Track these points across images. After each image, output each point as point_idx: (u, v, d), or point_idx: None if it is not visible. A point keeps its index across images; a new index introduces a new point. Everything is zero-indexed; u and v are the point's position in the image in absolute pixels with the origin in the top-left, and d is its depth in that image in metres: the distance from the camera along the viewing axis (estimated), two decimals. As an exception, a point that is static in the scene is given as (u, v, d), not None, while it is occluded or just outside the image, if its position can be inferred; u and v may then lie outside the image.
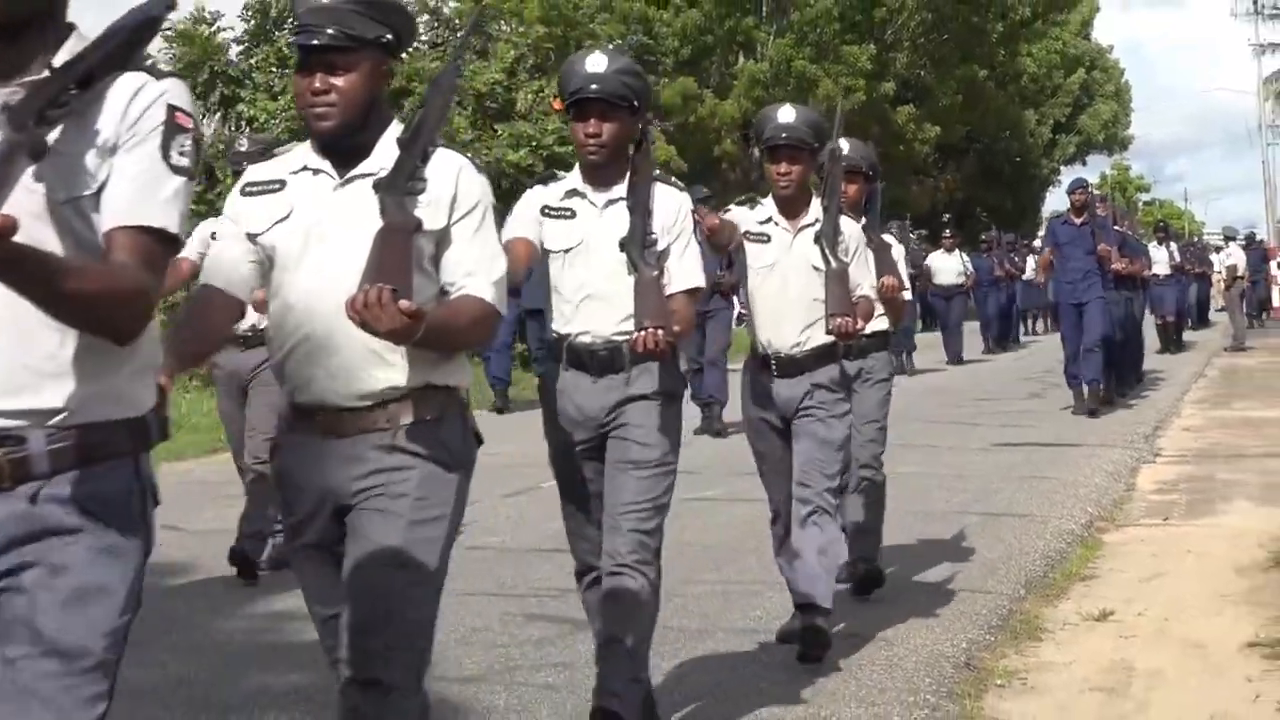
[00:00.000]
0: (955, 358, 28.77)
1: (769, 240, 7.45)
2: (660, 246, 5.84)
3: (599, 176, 5.97)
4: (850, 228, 7.44)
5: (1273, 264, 44.69)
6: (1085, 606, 8.34)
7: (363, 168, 4.37)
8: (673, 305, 5.83)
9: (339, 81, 4.31)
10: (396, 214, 4.19)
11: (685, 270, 5.94)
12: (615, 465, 5.93)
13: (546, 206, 6.00)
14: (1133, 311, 21.37)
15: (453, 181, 4.33)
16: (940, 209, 57.69)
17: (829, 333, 7.05)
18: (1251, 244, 39.11)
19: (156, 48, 25.04)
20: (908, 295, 8.38)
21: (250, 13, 25.94)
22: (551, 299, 6.06)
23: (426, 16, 27.62)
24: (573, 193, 6.01)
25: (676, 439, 6.10)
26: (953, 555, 9.77)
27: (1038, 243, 34.35)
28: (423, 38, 27.94)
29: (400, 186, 4.23)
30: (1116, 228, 20.07)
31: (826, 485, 7.20)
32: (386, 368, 4.27)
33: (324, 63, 4.31)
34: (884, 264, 7.97)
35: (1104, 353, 18.38)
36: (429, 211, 4.28)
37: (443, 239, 4.32)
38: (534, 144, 25.62)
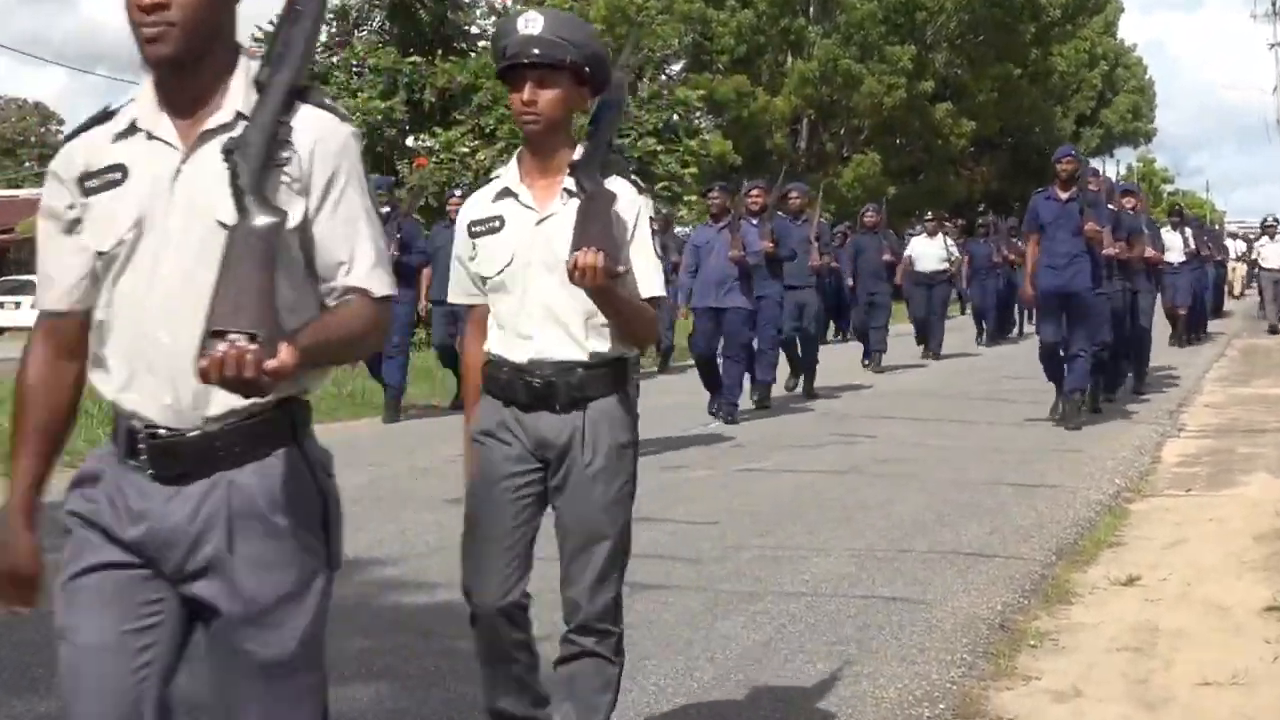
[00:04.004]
0: (934, 353, 24.78)
1: (124, 178, 3.06)
2: None
3: None
4: (320, 127, 3.07)
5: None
6: (1113, 571, 8.28)
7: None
8: None
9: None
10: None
11: None
12: None
13: None
14: (1137, 305, 17.78)
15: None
16: (976, 199, 57.54)
17: (203, 376, 2.76)
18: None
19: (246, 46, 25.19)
20: (654, 288, 4.61)
21: (332, 17, 26.04)
22: None
23: (494, 17, 27.63)
24: None
25: None
26: (988, 523, 9.72)
27: None
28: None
29: None
30: (1110, 206, 16.18)
31: None
32: None
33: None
34: (590, 227, 4.34)
35: (1093, 357, 14.99)
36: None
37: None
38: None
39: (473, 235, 4.73)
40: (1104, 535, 9.45)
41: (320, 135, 3.10)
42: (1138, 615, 7.38)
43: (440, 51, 26.26)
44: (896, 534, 9.39)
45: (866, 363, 22.64)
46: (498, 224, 4.69)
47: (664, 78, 30.44)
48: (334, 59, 25.39)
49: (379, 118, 23.62)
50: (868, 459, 12.64)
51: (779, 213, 17.40)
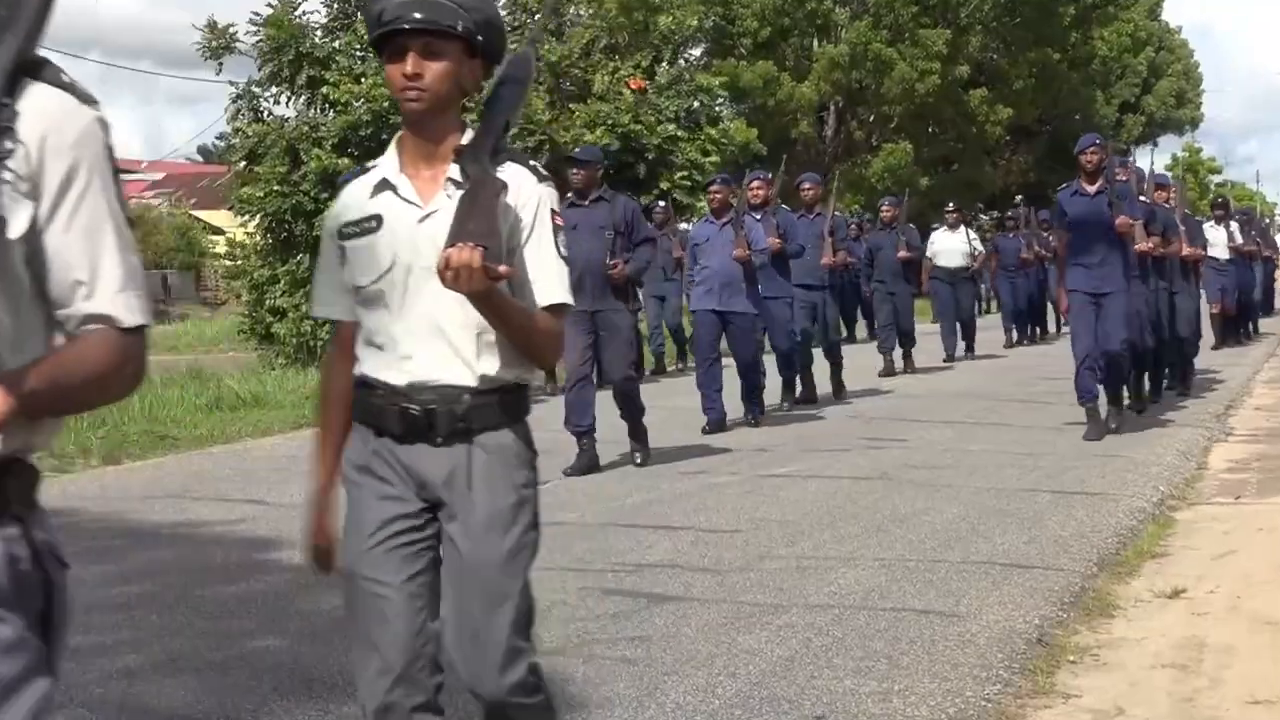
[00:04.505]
0: (953, 352, 24.36)
1: None
2: None
3: None
4: (54, 111, 2.58)
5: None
6: (1157, 584, 8.27)
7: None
8: None
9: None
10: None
11: None
12: None
13: None
14: (1179, 305, 17.44)
15: None
16: (1012, 190, 57.51)
17: None
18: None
19: (244, 32, 25.28)
20: (555, 294, 4.07)
21: (333, -2, 26.18)
22: None
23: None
24: None
25: None
26: (1025, 532, 9.70)
27: None
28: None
29: None
30: (1142, 198, 15.53)
31: None
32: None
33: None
34: (469, 220, 3.85)
35: (1129, 358, 14.63)
36: None
37: None
38: (610, 123, 25.58)
39: (343, 238, 4.15)
40: (1147, 545, 9.42)
41: (54, 122, 2.55)
42: (1184, 630, 7.36)
43: (448, 36, 26.28)
44: (929, 543, 9.38)
45: (883, 370, 21.79)
46: (374, 224, 4.11)
47: (683, 62, 30.35)
48: (336, 43, 25.44)
49: (385, 105, 23.63)
50: (898, 465, 12.63)
51: (783, 205, 17.19)
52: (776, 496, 11.09)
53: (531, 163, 4.16)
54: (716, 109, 30.53)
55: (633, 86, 26.42)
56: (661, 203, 23.83)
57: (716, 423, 14.96)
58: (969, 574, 8.52)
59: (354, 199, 4.18)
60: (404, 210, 4.09)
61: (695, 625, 7.37)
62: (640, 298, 14.65)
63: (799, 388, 17.66)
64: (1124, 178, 15.20)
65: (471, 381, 4.03)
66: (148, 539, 9.82)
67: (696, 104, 28.20)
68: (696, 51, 37.17)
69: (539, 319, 4.05)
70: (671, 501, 10.88)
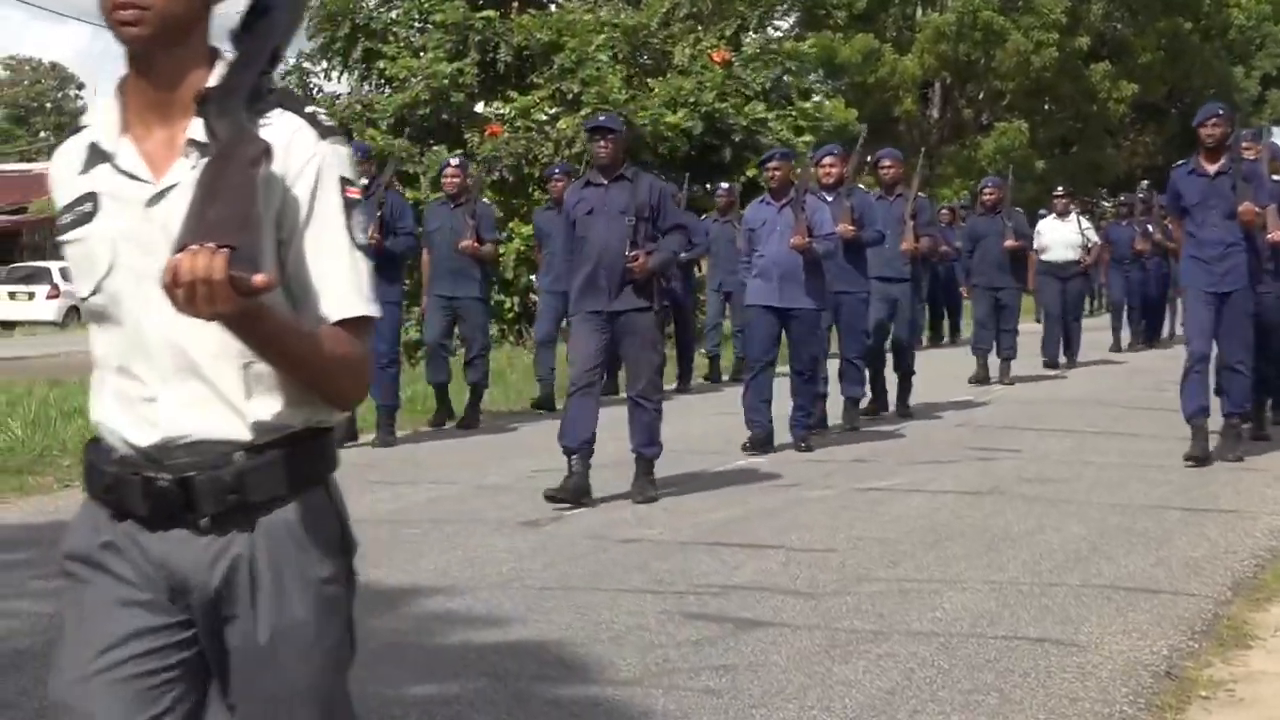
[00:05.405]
0: (1057, 358, 23.48)
1: None
2: None
3: None
4: None
5: None
6: (1299, 611, 8.21)
7: None
8: None
9: None
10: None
11: None
12: None
13: None
14: None
15: None
16: (1137, 174, 57.24)
17: None
18: None
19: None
20: (351, 304, 3.08)
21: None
22: None
23: None
24: None
25: None
26: (1152, 553, 9.64)
27: None
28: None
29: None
30: (1276, 178, 14.22)
31: None
32: None
33: None
34: (210, 206, 2.85)
35: (1257, 369, 13.59)
36: None
37: None
38: (693, 101, 25.42)
39: (59, 230, 3.18)
40: (1289, 569, 9.37)
41: None
42: (1329, 663, 7.30)
43: (516, 5, 26.33)
44: (1044, 565, 9.34)
45: (975, 375, 21.29)
46: (89, 208, 3.11)
47: (771, 31, 30.30)
48: (394, 13, 25.58)
49: (445, 81, 23.73)
50: (1011, 478, 12.58)
51: (859, 185, 16.62)
52: (875, 513, 11.06)
53: (310, 109, 3.13)
54: (808, 81, 30.47)
55: (715, 59, 26.31)
56: (725, 185, 23.11)
57: (763, 440, 14.25)
58: (1089, 599, 8.48)
59: (66, 172, 3.20)
60: (126, 188, 3.08)
61: (786, 654, 7.35)
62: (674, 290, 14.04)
63: (865, 399, 16.76)
64: (1253, 155, 14.22)
65: (243, 433, 3.08)
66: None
67: (786, 76, 28.06)
68: (786, 23, 37.14)
69: (329, 342, 3.05)
70: (759, 518, 10.86)
